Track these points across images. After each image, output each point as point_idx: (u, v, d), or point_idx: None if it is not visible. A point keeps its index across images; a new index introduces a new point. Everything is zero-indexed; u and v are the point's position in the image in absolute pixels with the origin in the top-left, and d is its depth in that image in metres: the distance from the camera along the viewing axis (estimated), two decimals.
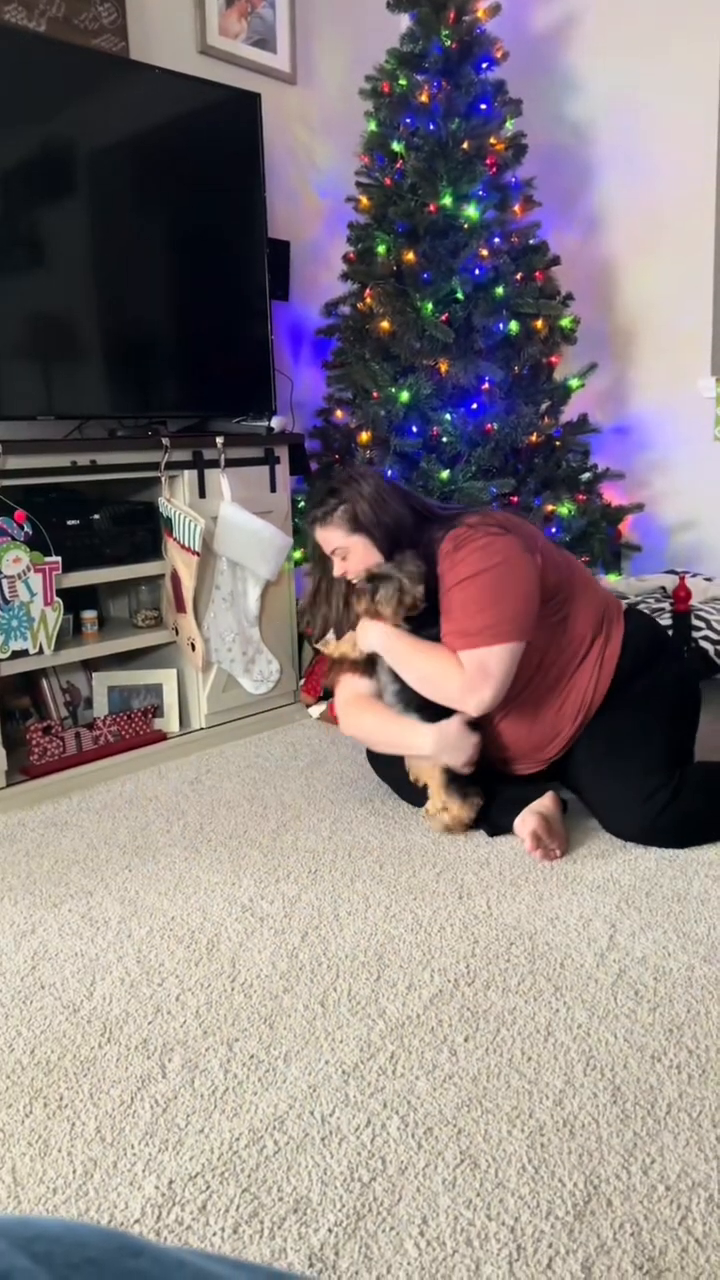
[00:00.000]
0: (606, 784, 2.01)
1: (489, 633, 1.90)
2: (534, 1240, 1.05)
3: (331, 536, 2.09)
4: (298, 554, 3.21)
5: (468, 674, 1.91)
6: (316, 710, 2.97)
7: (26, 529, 2.37)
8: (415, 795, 2.21)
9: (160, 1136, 1.23)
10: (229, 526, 2.71)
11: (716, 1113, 1.24)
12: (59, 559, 2.41)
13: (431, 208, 2.95)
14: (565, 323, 3.12)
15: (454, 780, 2.06)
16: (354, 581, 2.09)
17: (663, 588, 3.15)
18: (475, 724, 2.03)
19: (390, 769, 2.26)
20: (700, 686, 2.18)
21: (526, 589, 1.93)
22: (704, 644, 2.96)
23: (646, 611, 2.58)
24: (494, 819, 2.07)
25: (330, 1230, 1.07)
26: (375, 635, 2.05)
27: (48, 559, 2.39)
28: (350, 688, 2.18)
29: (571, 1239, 1.05)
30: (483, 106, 2.99)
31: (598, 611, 2.06)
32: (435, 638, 1.99)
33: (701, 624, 2.98)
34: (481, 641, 1.90)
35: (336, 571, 2.13)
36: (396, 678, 2.05)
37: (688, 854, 1.96)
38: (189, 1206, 1.11)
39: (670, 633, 2.63)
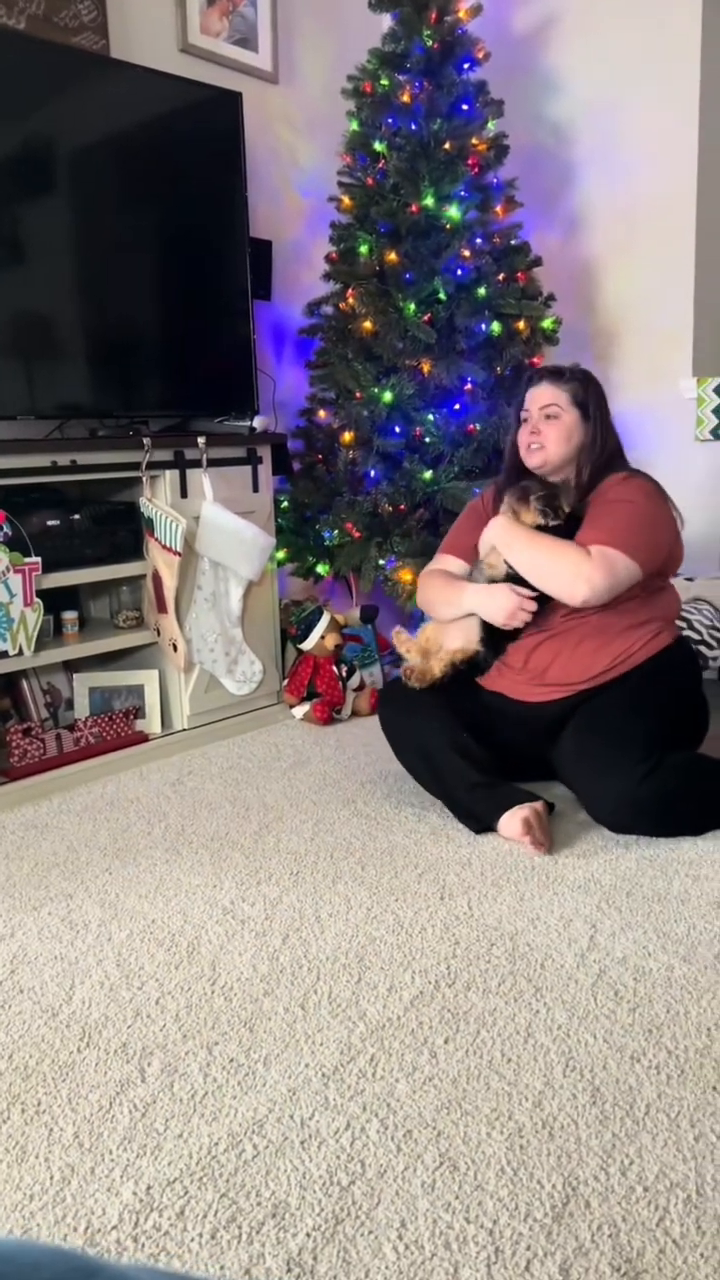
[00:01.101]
0: (592, 757, 2.04)
1: (629, 544, 2.05)
2: (512, 1243, 1.05)
3: (557, 395, 2.17)
4: (280, 554, 3.20)
5: (593, 560, 2.03)
6: (300, 711, 2.97)
7: (6, 529, 2.36)
8: (411, 755, 2.24)
9: (139, 1141, 1.22)
10: (211, 527, 2.70)
11: (695, 1113, 1.24)
12: (39, 559, 2.40)
13: (413, 208, 2.95)
14: (547, 323, 3.12)
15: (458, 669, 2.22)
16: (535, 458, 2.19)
17: None
18: (512, 635, 2.18)
19: (399, 720, 2.27)
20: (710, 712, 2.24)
21: (665, 539, 2.13)
22: None
23: None
24: (480, 817, 2.08)
25: (309, 1234, 1.07)
26: (499, 527, 2.17)
27: (27, 559, 2.38)
28: (442, 564, 2.36)
29: (550, 1241, 1.05)
30: (464, 107, 3.00)
31: (673, 611, 2.25)
32: None
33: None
34: (620, 546, 2.04)
35: (528, 432, 2.19)
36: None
37: (668, 854, 1.96)
38: (167, 1212, 1.11)
39: None
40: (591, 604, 2.06)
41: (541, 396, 2.18)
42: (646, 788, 1.96)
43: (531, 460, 2.19)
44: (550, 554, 2.08)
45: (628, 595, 2.10)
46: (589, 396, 2.18)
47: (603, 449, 2.18)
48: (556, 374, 2.21)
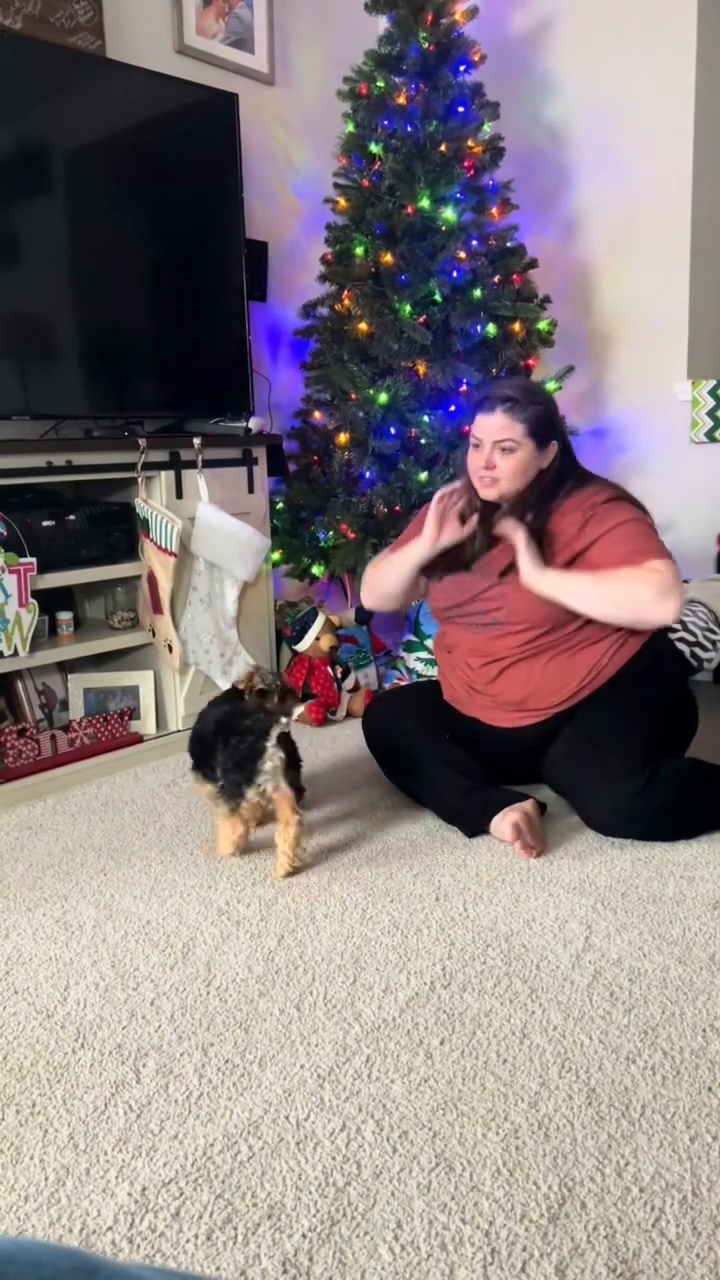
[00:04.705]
0: (585, 766, 2.03)
1: (661, 550, 2.00)
2: (508, 1244, 1.05)
3: (512, 428, 2.02)
4: (275, 555, 3.20)
5: (666, 575, 1.95)
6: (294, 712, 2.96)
7: (1, 530, 2.36)
8: (397, 768, 2.27)
9: (134, 1143, 1.22)
10: (206, 528, 2.70)
11: (690, 1114, 1.24)
12: (34, 560, 2.40)
13: (409, 210, 2.95)
14: (543, 325, 3.13)
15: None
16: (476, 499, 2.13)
17: None
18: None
19: (382, 735, 2.30)
20: (699, 709, 2.22)
21: None
22: (680, 645, 2.98)
23: None
24: (472, 820, 2.08)
25: (304, 1236, 1.07)
26: (547, 583, 2.02)
27: (23, 560, 2.37)
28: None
29: (546, 1242, 1.05)
30: (460, 109, 3.00)
31: None
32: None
33: (677, 626, 2.99)
34: (664, 554, 1.99)
35: (481, 461, 2.06)
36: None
37: (663, 855, 1.96)
38: (162, 1213, 1.10)
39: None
40: (678, 615, 1.99)
41: (496, 428, 2.02)
42: (641, 801, 1.95)
43: (486, 493, 2.08)
44: (620, 585, 1.98)
45: None
46: (546, 423, 2.05)
47: (559, 470, 2.09)
48: (512, 401, 2.02)
